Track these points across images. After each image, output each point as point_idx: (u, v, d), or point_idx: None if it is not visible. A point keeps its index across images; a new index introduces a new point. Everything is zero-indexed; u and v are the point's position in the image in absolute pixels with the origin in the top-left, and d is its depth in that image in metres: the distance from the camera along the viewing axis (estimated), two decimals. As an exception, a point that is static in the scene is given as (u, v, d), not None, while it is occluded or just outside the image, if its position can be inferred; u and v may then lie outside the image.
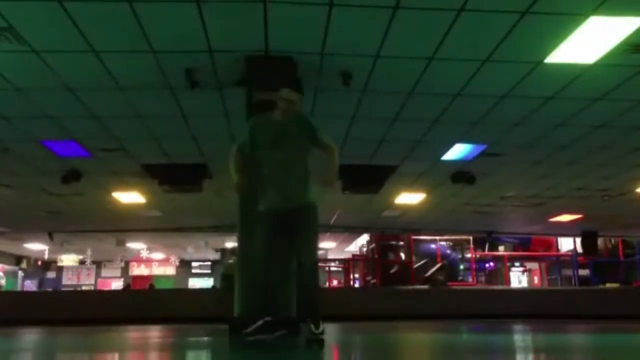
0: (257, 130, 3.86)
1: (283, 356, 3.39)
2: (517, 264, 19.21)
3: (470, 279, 15.92)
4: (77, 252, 21.19)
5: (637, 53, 4.93)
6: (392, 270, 14.94)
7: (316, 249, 3.71)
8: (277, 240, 3.70)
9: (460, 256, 16.44)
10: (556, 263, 18.66)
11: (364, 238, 17.67)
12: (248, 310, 3.77)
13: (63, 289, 22.24)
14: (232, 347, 3.96)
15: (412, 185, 10.11)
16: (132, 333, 6.31)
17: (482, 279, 18.83)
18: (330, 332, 6.11)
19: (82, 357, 3.73)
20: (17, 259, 22.52)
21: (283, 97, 3.74)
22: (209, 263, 24.29)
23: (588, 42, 4.75)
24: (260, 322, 3.64)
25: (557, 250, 18.68)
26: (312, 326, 3.54)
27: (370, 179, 9.08)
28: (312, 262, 3.69)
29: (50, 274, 24.54)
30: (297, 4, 4.29)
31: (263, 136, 3.79)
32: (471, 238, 16.34)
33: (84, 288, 23.06)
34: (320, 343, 3.52)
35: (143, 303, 10.17)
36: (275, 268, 3.68)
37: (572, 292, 13.13)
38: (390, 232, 15.30)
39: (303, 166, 3.76)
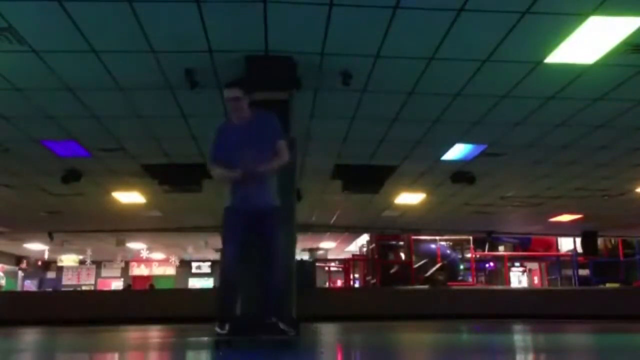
0: (222, 136, 3.88)
1: (283, 356, 3.39)
2: (517, 264, 19.21)
3: (470, 279, 15.92)
4: (77, 252, 21.19)
5: (637, 53, 4.92)
6: (392, 270, 14.95)
7: (284, 249, 3.73)
8: (239, 238, 3.76)
9: (460, 256, 16.45)
10: (556, 263, 18.65)
11: (364, 238, 17.68)
12: (220, 311, 3.75)
13: (63, 289, 22.24)
14: (232, 347, 3.95)
15: (412, 185, 10.10)
16: (132, 333, 6.31)
17: (482, 279, 18.84)
18: (331, 332, 6.10)
19: (82, 357, 3.73)
20: (17, 259, 22.52)
21: (225, 98, 3.76)
22: (209, 263, 24.30)
23: (588, 42, 4.75)
24: (228, 325, 3.63)
25: (557, 250, 18.68)
26: (283, 325, 3.58)
27: (370, 179, 9.08)
28: (279, 263, 3.74)
29: (50, 274, 24.53)
30: (297, 4, 4.28)
31: (228, 140, 3.82)
32: (471, 238, 16.35)
33: (84, 288, 23.05)
34: (293, 342, 3.55)
35: (143, 303, 10.19)
36: (238, 268, 3.71)
37: (572, 292, 13.14)
38: (390, 232, 15.30)
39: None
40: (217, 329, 3.52)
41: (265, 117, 3.90)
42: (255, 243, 3.78)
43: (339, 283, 20.65)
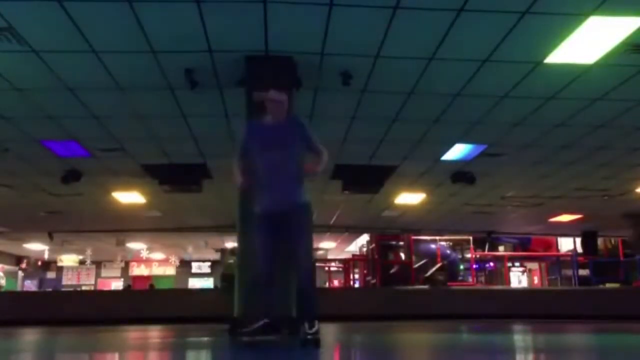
0: (250, 133, 3.87)
1: (282, 356, 3.39)
2: (517, 264, 19.21)
3: (470, 279, 15.92)
4: (77, 252, 21.19)
5: (637, 53, 4.93)
6: (392, 270, 14.93)
7: (312, 249, 3.72)
8: (271, 241, 3.73)
9: (460, 256, 16.44)
10: (556, 263, 18.65)
11: (364, 238, 17.67)
12: (247, 311, 3.78)
13: (63, 289, 22.24)
14: (231, 347, 3.96)
15: (412, 185, 10.11)
16: (132, 333, 6.31)
17: (482, 279, 18.83)
18: (331, 332, 6.11)
19: (82, 357, 3.73)
20: (17, 259, 22.52)
21: (269, 99, 3.74)
22: (209, 263, 24.30)
23: (588, 42, 4.75)
24: (260, 324, 3.65)
25: (557, 250, 18.68)
26: (307, 326, 3.57)
27: (370, 179, 9.09)
28: (308, 263, 3.72)
29: (50, 274, 24.54)
30: (297, 4, 4.29)
31: (256, 139, 3.81)
32: (471, 238, 16.34)
33: (84, 288, 23.05)
34: (315, 343, 3.55)
35: (143, 303, 10.18)
36: (270, 270, 3.70)
37: (572, 292, 13.14)
38: (390, 232, 15.30)
39: (296, 168, 3.77)
40: (245, 329, 3.54)
41: (297, 123, 3.87)
42: (284, 244, 3.75)
43: (336, 283, 20.64)
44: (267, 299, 3.71)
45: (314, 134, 3.85)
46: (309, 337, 3.56)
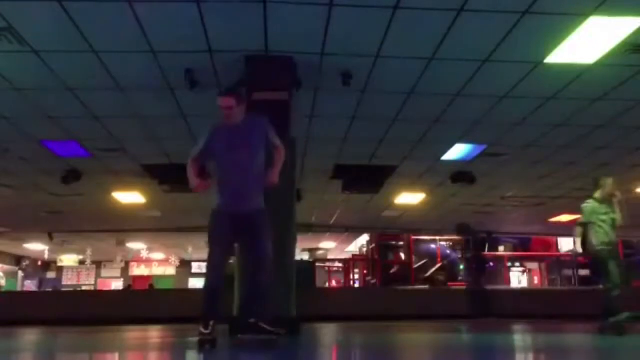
0: (213, 136, 3.89)
1: (282, 356, 3.39)
2: (517, 264, 19.20)
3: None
4: (77, 252, 21.18)
5: (637, 53, 4.93)
6: (392, 270, 14.93)
7: (271, 248, 3.75)
8: (229, 241, 3.82)
9: (460, 256, 16.43)
10: (556, 263, 18.64)
11: (364, 238, 17.67)
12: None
13: (63, 289, 22.23)
14: (232, 347, 3.96)
15: (412, 185, 10.11)
16: (132, 333, 6.31)
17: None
18: (331, 332, 6.10)
19: (82, 357, 3.73)
20: (17, 259, 22.51)
21: (218, 106, 3.77)
22: (209, 263, 24.24)
23: (588, 42, 4.75)
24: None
25: (557, 250, 18.67)
26: (266, 325, 3.68)
27: (370, 179, 9.09)
28: (269, 265, 3.75)
29: (50, 274, 24.52)
30: (297, 4, 4.28)
31: (219, 142, 3.83)
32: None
33: (84, 288, 23.04)
34: (273, 341, 3.61)
35: (143, 303, 10.19)
36: (221, 271, 3.76)
37: (572, 292, 13.13)
38: (390, 232, 15.30)
39: (257, 168, 3.80)
40: (201, 329, 3.56)
41: (256, 120, 3.89)
42: (245, 245, 3.80)
43: (334, 283, 20.62)
44: (218, 300, 3.70)
45: (272, 129, 3.87)
46: (271, 335, 3.66)
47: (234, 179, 3.78)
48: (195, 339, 3.63)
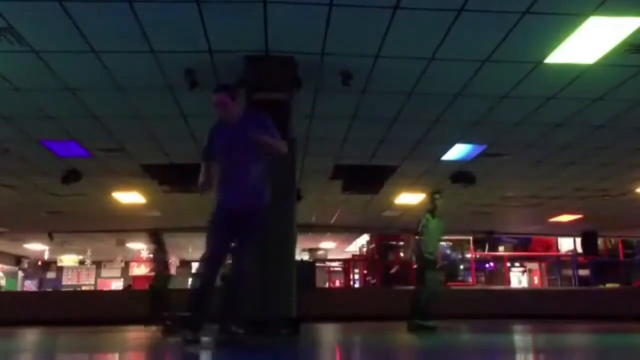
0: (213, 134, 3.89)
1: (282, 356, 3.39)
2: (517, 264, 19.21)
3: (470, 279, 15.92)
4: (77, 252, 21.18)
5: (637, 53, 4.92)
6: (392, 270, 14.94)
7: (251, 255, 3.75)
8: (224, 240, 3.79)
9: (460, 256, 16.45)
10: (556, 263, 18.65)
11: (364, 238, 17.68)
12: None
13: (63, 289, 22.22)
14: (231, 347, 3.97)
15: (412, 185, 10.10)
16: (132, 333, 6.31)
17: (482, 279, 18.83)
18: (331, 332, 6.11)
19: (82, 357, 3.73)
20: (17, 259, 22.50)
21: (212, 103, 3.77)
22: (209, 263, 24.24)
23: (588, 42, 4.75)
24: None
25: (557, 250, 18.68)
26: (234, 326, 3.70)
27: (370, 179, 9.08)
28: (246, 269, 3.77)
29: (50, 274, 24.51)
30: (297, 4, 4.28)
31: (220, 140, 3.83)
32: (471, 238, 16.34)
33: (84, 288, 23.03)
34: (239, 342, 3.61)
35: (142, 303, 10.18)
36: (217, 266, 3.75)
37: (572, 292, 13.14)
38: (390, 232, 15.30)
39: (257, 166, 3.78)
40: (186, 335, 3.57)
41: (255, 117, 3.88)
42: (234, 245, 3.81)
43: (337, 283, 20.62)
44: (207, 299, 3.69)
45: (273, 126, 3.86)
46: (235, 336, 3.66)
47: (234, 177, 3.76)
48: (179, 339, 3.61)
